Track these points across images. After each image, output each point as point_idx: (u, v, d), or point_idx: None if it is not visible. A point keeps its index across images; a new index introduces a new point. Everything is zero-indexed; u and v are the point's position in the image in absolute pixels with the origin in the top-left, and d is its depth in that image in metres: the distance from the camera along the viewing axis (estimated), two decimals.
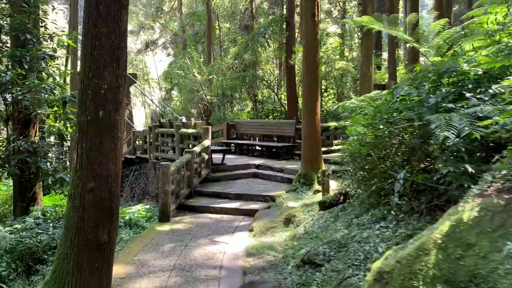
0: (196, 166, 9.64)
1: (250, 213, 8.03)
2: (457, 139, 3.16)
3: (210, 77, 21.15)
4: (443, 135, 3.10)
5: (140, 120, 38.92)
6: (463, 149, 3.32)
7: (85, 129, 3.02)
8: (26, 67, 7.88)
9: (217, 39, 26.76)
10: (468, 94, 3.80)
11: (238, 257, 5.65)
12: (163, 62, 39.39)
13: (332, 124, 13.74)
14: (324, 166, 9.90)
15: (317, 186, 9.46)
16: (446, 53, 6.23)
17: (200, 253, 5.81)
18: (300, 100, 20.78)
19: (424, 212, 4.19)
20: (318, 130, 9.82)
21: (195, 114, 22.31)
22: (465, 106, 3.60)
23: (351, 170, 6.49)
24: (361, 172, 5.81)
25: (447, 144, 3.51)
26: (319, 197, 8.70)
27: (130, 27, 40.00)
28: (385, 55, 23.12)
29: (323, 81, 21.13)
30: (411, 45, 6.45)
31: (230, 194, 9.24)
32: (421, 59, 12.91)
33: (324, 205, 6.57)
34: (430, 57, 6.48)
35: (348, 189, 6.75)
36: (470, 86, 3.84)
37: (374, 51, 22.44)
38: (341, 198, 6.55)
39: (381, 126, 4.76)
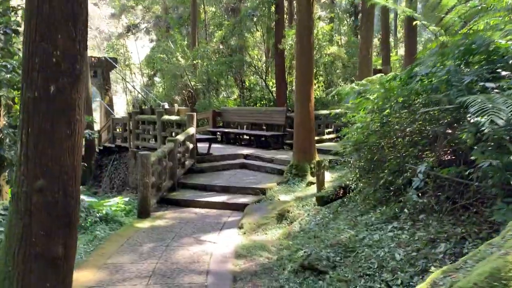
0: (179, 156, 8.96)
1: (239, 208, 7.42)
2: (503, 125, 2.57)
3: (194, 62, 20.30)
4: (486, 120, 2.51)
5: (121, 107, 37.78)
6: (507, 138, 2.74)
7: (31, 110, 2.33)
8: None
9: (202, 23, 25.79)
10: (504, 72, 3.20)
11: (226, 259, 5.04)
12: (146, 48, 38.18)
13: (327, 111, 13.21)
14: (317, 157, 9.33)
15: (310, 178, 8.91)
16: (458, 31, 5.65)
17: (183, 255, 5.17)
18: (289, 88, 20.16)
19: (446, 211, 3.63)
20: (312, 117, 9.23)
21: (179, 101, 21.46)
22: (504, 86, 3.01)
23: (352, 161, 5.91)
24: (366, 164, 5.23)
25: (483, 132, 2.93)
26: (313, 189, 8.15)
27: (111, 10, 38.60)
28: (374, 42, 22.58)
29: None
30: (415, 24, 5.85)
31: (216, 186, 8.60)
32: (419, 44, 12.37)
33: (322, 200, 6.00)
34: (440, 37, 5.90)
35: (347, 182, 6.18)
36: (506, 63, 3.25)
37: None
38: (341, 192, 5.98)
39: (394, 111, 4.15)
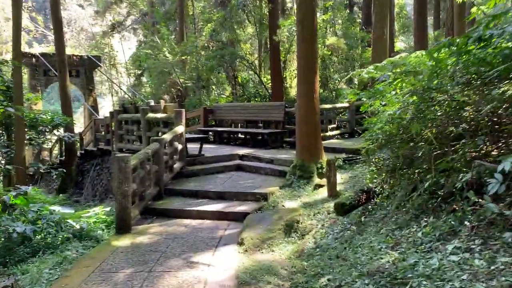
0: (166, 158, 7.87)
1: (238, 218, 6.35)
2: None
3: (183, 57, 19.20)
4: None
5: (107, 109, 36.48)
6: None
7: None
8: None
9: (191, 18, 24.73)
10: None
11: None
12: (132, 46, 36.96)
13: (329, 105, 12.17)
14: (324, 155, 8.30)
15: (317, 180, 7.88)
16: None
17: (170, 284, 4.09)
18: (286, 83, 19.14)
19: None
20: (317, 110, 8.21)
21: (167, 100, 20.32)
22: None
23: (376, 159, 4.87)
24: (397, 162, 4.19)
25: None
26: (322, 193, 7.11)
27: (94, 7, 37.27)
28: None
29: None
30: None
31: (210, 192, 7.53)
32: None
33: (342, 208, 4.93)
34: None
35: (370, 185, 5.14)
36: None
37: (364, 27, 20.97)
38: (363, 198, 4.93)
39: (452, 88, 3.10)
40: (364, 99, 5.41)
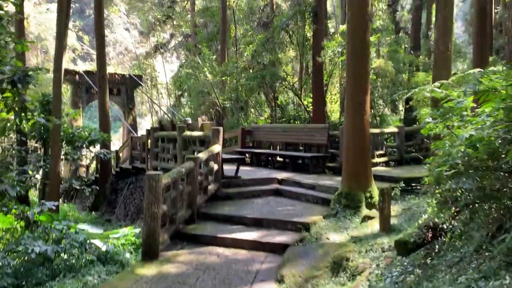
0: (201, 179, 7.36)
1: (276, 249, 5.70)
2: None
3: (223, 78, 19.02)
4: None
5: (146, 128, 36.96)
6: None
7: None
8: None
9: (232, 38, 24.75)
10: None
11: None
12: (173, 68, 37.64)
13: (377, 130, 11.38)
14: (374, 183, 7.54)
15: (365, 211, 7.12)
16: None
17: None
18: (328, 105, 18.50)
19: None
20: (367, 133, 7.50)
21: (206, 119, 20.15)
22: None
23: (449, 190, 4.12)
24: (481, 194, 3.44)
25: None
26: (372, 226, 6.34)
27: (137, 24, 38.42)
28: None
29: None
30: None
31: (246, 218, 6.92)
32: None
33: (405, 247, 4.18)
34: None
35: (436, 221, 4.38)
36: None
37: (411, 52, 20.12)
38: (429, 236, 4.17)
39: None
40: (429, 120, 4.72)
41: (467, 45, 29.30)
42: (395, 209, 7.10)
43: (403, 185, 7.92)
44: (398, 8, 25.72)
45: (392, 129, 11.88)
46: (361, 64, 7.46)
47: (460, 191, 3.70)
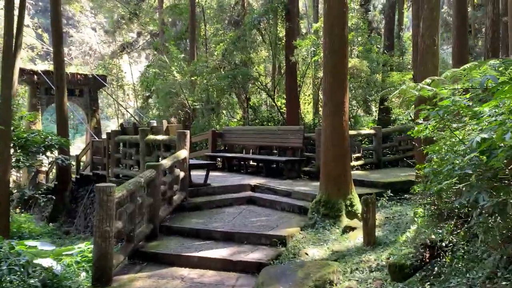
0: (164, 189, 6.63)
1: (249, 269, 5.07)
2: None
3: (192, 78, 18.23)
4: None
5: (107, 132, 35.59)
6: None
7: None
8: None
9: (202, 37, 23.98)
10: None
11: None
12: (141, 68, 36.45)
13: (354, 131, 10.92)
14: (354, 189, 7.00)
15: (346, 220, 6.59)
16: None
17: None
18: (302, 106, 18.01)
19: None
20: (346, 134, 6.97)
21: (174, 122, 19.28)
22: None
23: (445, 201, 3.59)
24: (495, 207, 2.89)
25: None
26: (355, 238, 5.80)
27: (104, 23, 37.04)
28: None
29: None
30: None
31: (216, 231, 6.25)
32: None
33: (401, 272, 3.60)
34: None
35: (433, 237, 3.83)
36: None
37: (385, 51, 19.91)
38: (427, 256, 3.62)
39: None
40: (420, 121, 4.19)
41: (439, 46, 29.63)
42: (377, 217, 6.57)
43: (389, 192, 7.45)
44: (370, 8, 25.67)
45: (368, 130, 11.46)
46: (339, 61, 6.92)
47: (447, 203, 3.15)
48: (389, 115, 18.88)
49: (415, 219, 5.31)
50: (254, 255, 5.39)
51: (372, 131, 11.21)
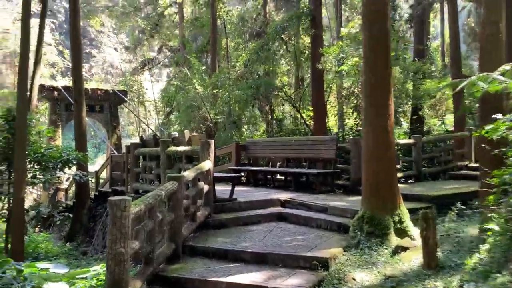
0: (187, 204, 5.96)
1: None
2: None
3: (214, 91, 17.77)
4: None
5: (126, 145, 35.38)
6: None
7: None
8: None
9: (224, 50, 23.65)
10: None
11: None
12: (161, 85, 36.42)
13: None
14: (403, 204, 6.20)
15: (395, 239, 5.78)
16: None
17: None
18: (331, 116, 17.25)
19: None
20: (391, 143, 6.22)
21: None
22: None
23: None
24: None
25: None
26: (409, 260, 5.01)
27: (125, 43, 37.31)
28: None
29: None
30: None
31: (245, 252, 5.52)
32: None
33: None
34: None
35: None
36: None
37: (416, 59, 19.04)
38: None
39: None
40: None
41: (468, 56, 28.57)
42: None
43: (429, 205, 6.61)
44: (396, 17, 25.02)
45: (407, 140, 10.61)
46: (381, 58, 6.23)
47: None
48: (422, 125, 17.97)
49: (485, 237, 4.48)
50: (293, 280, 4.63)
51: (411, 141, 10.36)
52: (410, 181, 10.30)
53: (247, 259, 5.42)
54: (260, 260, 5.34)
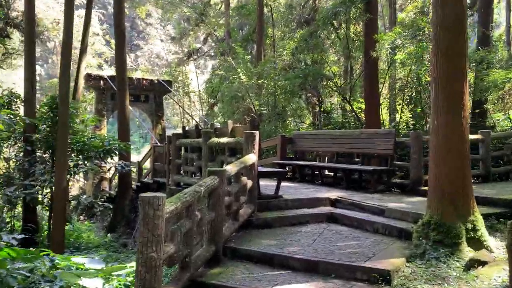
0: (229, 201, 5.45)
1: None
2: None
3: (259, 81, 17.22)
4: None
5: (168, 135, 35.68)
6: None
7: None
8: None
9: (270, 40, 23.02)
10: None
11: None
12: (206, 76, 36.40)
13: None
14: (477, 209, 5.37)
15: (468, 250, 5.02)
16: None
17: None
18: (384, 110, 16.25)
19: None
20: (466, 137, 5.41)
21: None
22: None
23: None
24: None
25: None
26: (490, 277, 4.24)
27: (172, 34, 37.53)
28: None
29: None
30: None
31: (293, 259, 4.93)
32: None
33: None
34: None
35: None
36: None
37: (480, 47, 17.59)
38: None
39: None
40: None
41: None
42: (504, 247, 4.92)
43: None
44: None
45: (474, 136, 9.56)
46: (455, 39, 5.42)
47: None
48: (485, 120, 16.58)
49: None
50: None
51: (479, 136, 9.32)
52: (477, 182, 9.29)
53: (296, 266, 4.83)
54: (310, 268, 4.73)
